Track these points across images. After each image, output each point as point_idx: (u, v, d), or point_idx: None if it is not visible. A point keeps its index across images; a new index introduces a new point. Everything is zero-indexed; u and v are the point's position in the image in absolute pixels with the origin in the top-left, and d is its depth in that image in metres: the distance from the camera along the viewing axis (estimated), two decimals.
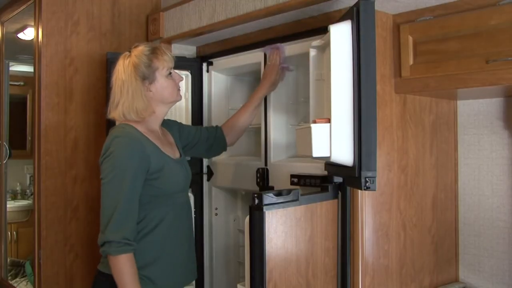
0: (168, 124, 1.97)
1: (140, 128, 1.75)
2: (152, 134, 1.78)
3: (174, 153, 1.86)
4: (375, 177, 1.45)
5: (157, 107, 1.79)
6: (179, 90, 1.84)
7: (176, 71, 2.38)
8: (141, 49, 1.75)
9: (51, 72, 2.45)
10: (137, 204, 1.66)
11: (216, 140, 2.08)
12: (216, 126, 2.11)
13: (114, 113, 1.75)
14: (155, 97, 1.77)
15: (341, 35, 1.49)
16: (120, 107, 1.72)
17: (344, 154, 1.50)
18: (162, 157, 1.75)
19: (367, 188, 1.45)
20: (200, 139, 2.04)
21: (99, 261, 1.75)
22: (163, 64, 1.76)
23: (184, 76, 2.44)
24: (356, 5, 1.46)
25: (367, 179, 1.45)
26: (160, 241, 1.74)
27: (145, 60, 1.73)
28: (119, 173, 1.64)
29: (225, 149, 2.13)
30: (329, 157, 1.52)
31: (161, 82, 1.76)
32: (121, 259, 1.60)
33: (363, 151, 1.45)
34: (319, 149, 1.53)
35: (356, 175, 1.48)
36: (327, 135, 1.52)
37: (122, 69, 1.74)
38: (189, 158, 2.04)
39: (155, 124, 1.82)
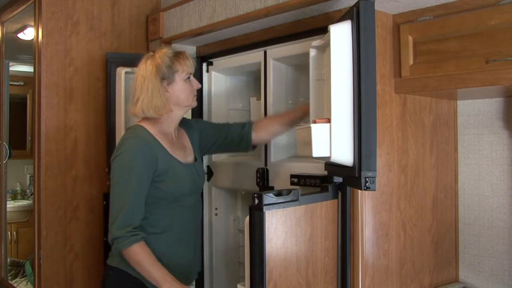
0: (189, 126, 2.01)
1: (152, 130, 1.81)
2: (163, 137, 1.83)
3: (185, 156, 1.89)
4: (375, 177, 1.45)
5: (174, 109, 1.84)
6: (195, 96, 1.88)
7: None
8: (164, 51, 1.83)
9: (51, 72, 2.45)
10: (143, 203, 1.73)
11: (238, 139, 2.03)
12: (245, 123, 2.05)
13: (134, 110, 1.82)
14: (172, 99, 1.82)
15: (341, 35, 1.49)
16: (140, 104, 1.79)
17: (344, 154, 1.50)
18: (169, 160, 1.79)
19: (367, 188, 1.45)
20: (218, 139, 2.05)
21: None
22: (183, 68, 1.82)
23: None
24: (356, 5, 1.46)
25: (367, 179, 1.45)
26: (166, 243, 1.78)
27: (167, 61, 1.80)
28: (126, 173, 1.71)
29: (248, 149, 2.05)
30: (329, 157, 1.52)
31: (179, 85, 1.82)
32: (133, 250, 1.66)
33: (363, 151, 1.45)
34: (319, 149, 1.53)
35: (356, 175, 1.48)
36: (327, 135, 1.52)
37: (145, 68, 1.81)
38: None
39: (170, 127, 1.87)
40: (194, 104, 1.89)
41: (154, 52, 1.85)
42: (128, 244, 1.65)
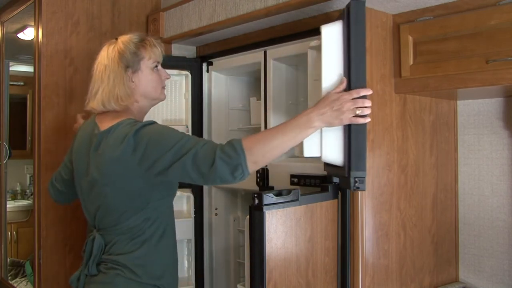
0: None
1: None
2: None
3: None
4: (364, 177, 1.44)
5: (140, 100, 1.67)
6: (163, 88, 1.72)
7: (175, 71, 2.36)
8: (129, 37, 1.66)
9: (51, 72, 2.44)
10: None
11: None
12: None
13: (93, 103, 1.63)
14: (138, 89, 1.64)
15: (332, 35, 1.48)
16: (100, 95, 1.61)
17: (334, 154, 1.49)
18: None
19: (357, 189, 1.44)
20: None
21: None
22: (150, 55, 1.66)
23: (183, 76, 2.45)
24: (348, 5, 1.45)
25: (356, 179, 1.44)
26: (171, 245, 1.67)
27: (132, 47, 1.63)
28: (166, 130, 1.49)
29: None
30: (320, 157, 1.52)
31: (145, 74, 1.65)
32: (249, 141, 1.39)
33: (352, 151, 1.44)
34: (310, 149, 1.52)
35: (346, 175, 1.47)
36: (318, 135, 1.50)
37: (106, 55, 1.64)
38: None
39: (142, 120, 1.70)
40: (163, 97, 1.72)
41: (117, 38, 1.67)
42: (239, 143, 1.37)
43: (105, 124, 1.62)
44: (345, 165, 1.48)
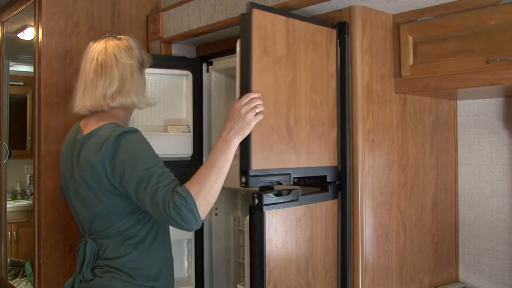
0: None
1: None
2: None
3: None
4: (249, 175, 1.46)
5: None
6: None
7: (175, 71, 2.35)
8: (130, 38, 1.65)
9: (51, 72, 2.44)
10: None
11: None
12: None
13: (93, 101, 1.55)
14: None
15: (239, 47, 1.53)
16: (125, 94, 1.56)
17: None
18: None
19: (244, 184, 1.46)
20: None
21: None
22: (148, 61, 1.67)
23: (183, 76, 2.45)
24: None
25: (243, 177, 1.47)
26: (165, 246, 1.66)
27: (139, 48, 1.64)
28: (143, 148, 1.47)
29: None
30: None
31: (144, 77, 1.66)
32: (190, 187, 1.40)
33: (242, 150, 1.47)
34: None
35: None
36: None
37: (122, 51, 1.58)
38: None
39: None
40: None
41: (115, 36, 1.64)
42: (186, 191, 1.38)
43: (88, 128, 1.59)
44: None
